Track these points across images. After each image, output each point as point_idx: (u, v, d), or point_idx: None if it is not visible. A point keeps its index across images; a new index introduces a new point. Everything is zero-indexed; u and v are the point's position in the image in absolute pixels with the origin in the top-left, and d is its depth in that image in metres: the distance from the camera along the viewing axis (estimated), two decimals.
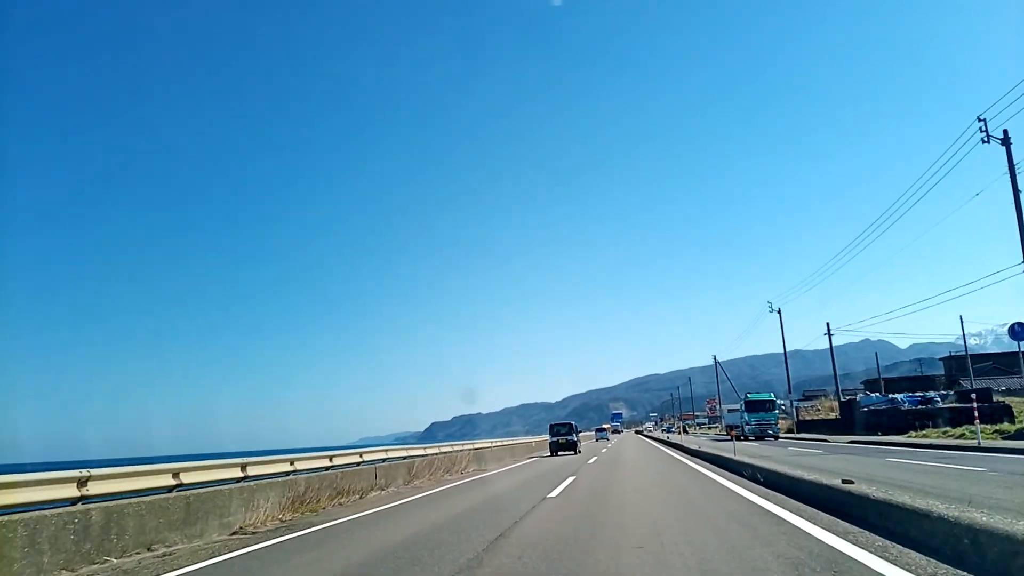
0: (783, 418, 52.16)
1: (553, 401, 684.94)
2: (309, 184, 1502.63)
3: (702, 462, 16.59)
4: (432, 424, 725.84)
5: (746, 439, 36.65)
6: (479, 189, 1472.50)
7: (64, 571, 5.18)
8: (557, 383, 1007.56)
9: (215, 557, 5.79)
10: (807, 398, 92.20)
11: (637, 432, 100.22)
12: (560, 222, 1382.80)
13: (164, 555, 6.09)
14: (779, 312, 52.33)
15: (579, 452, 28.20)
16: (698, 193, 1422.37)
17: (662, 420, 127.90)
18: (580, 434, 33.93)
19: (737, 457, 13.43)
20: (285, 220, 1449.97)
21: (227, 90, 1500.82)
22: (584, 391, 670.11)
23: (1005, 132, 21.82)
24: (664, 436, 55.76)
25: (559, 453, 27.83)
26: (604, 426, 75.02)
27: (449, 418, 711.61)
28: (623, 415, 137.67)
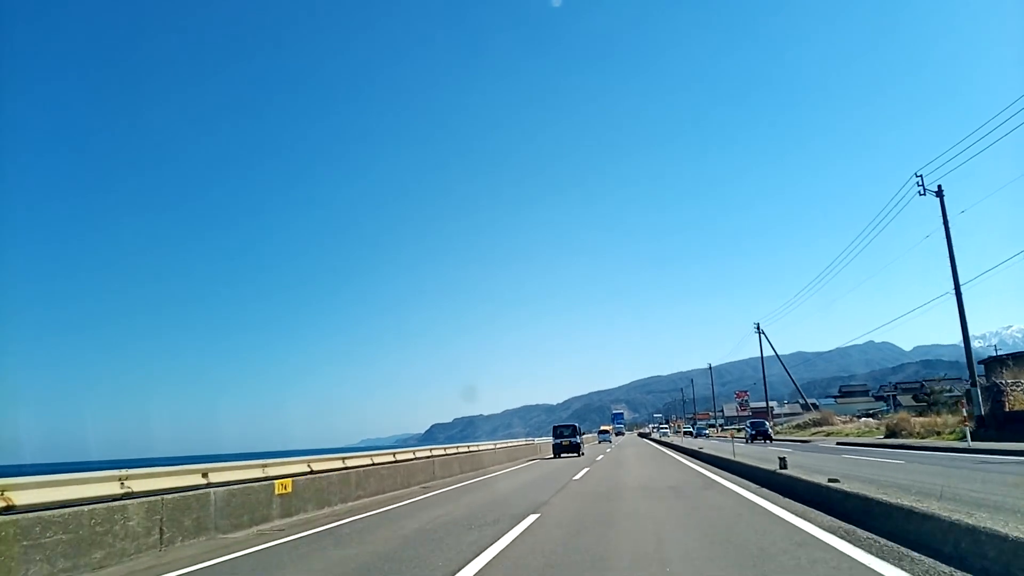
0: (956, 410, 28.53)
1: (554, 403, 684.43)
2: (310, 187, 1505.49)
3: None
4: (433, 425, 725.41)
5: None
6: (480, 192, 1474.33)
7: None
8: (558, 385, 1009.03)
9: None
10: (844, 394, 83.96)
11: (641, 435, 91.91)
12: (562, 225, 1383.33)
13: None
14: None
15: (582, 454, 28.85)
16: (700, 196, 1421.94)
17: (668, 422, 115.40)
18: (583, 436, 34.16)
19: None
20: (287, 223, 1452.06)
21: (226, 95, 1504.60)
22: (585, 393, 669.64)
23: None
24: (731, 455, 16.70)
25: (562, 455, 28.64)
26: (607, 428, 74.06)
27: (450, 419, 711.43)
28: (624, 416, 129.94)
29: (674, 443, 37.18)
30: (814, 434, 41.63)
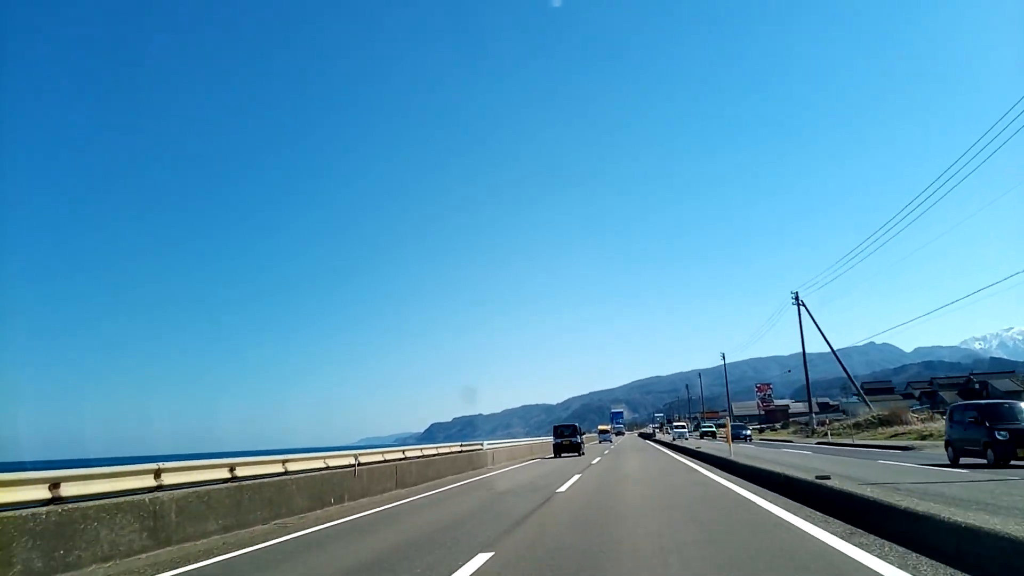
0: None
1: (554, 402, 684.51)
2: (310, 187, 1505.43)
3: None
4: (432, 425, 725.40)
5: None
6: (480, 191, 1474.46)
7: None
8: (558, 384, 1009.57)
9: None
10: (865, 392, 80.00)
11: (643, 436, 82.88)
12: (562, 225, 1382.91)
13: None
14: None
15: (583, 454, 29.44)
16: (700, 196, 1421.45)
17: (669, 422, 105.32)
18: (583, 436, 34.61)
19: None
20: (287, 223, 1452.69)
21: (227, 96, 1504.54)
22: (585, 393, 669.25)
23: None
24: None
25: (563, 455, 29.25)
26: (606, 428, 73.68)
27: (449, 419, 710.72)
28: (623, 415, 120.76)
29: (731, 459, 14.87)
30: (893, 437, 31.15)
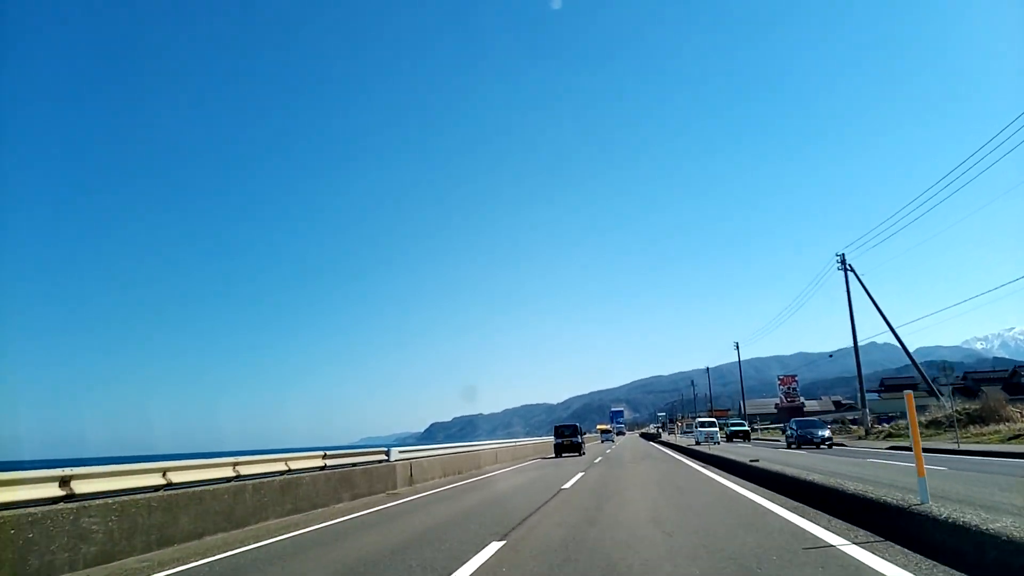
0: None
1: (555, 402, 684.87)
2: (311, 188, 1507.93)
3: None
4: (432, 424, 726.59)
5: None
6: (480, 191, 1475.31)
7: None
8: (559, 384, 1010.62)
9: None
10: (888, 388, 77.08)
11: (645, 436, 78.88)
12: (562, 225, 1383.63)
13: None
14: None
15: (583, 454, 29.53)
16: (700, 196, 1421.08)
17: (672, 421, 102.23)
18: (584, 436, 34.75)
19: None
20: (288, 223, 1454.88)
21: (229, 98, 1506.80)
22: (586, 392, 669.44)
23: None
24: None
25: (563, 455, 29.25)
26: (606, 427, 73.03)
27: (450, 419, 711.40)
28: (624, 414, 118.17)
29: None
30: (1012, 440, 22.48)
